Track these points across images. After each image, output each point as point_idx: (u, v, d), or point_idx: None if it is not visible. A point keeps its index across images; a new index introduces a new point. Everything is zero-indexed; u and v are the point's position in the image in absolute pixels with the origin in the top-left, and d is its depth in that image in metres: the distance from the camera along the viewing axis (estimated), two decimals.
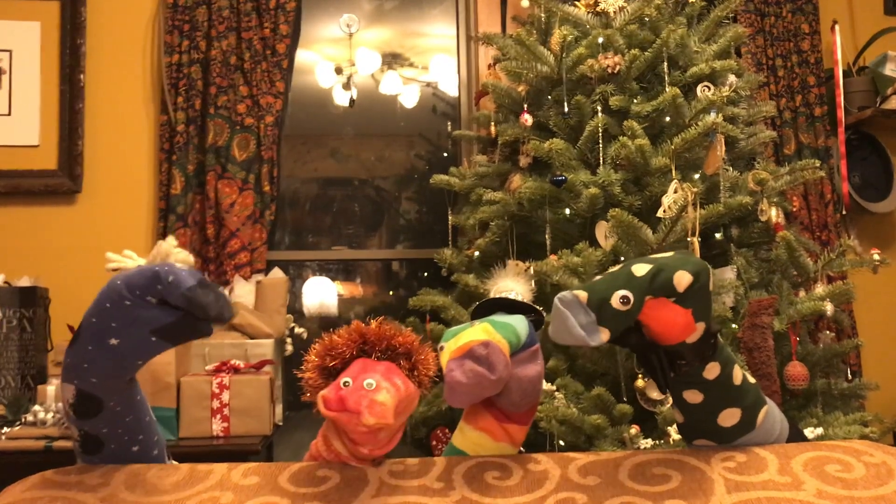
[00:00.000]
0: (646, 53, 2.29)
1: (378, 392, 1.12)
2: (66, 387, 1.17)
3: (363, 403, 1.11)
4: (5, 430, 2.03)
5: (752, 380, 1.26)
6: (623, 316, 1.11)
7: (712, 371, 1.19)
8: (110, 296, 1.09)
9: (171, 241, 1.18)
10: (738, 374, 1.22)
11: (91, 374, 1.14)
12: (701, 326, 1.16)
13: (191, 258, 1.19)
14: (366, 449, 1.19)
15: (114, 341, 1.10)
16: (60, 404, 2.11)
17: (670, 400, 1.93)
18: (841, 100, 3.07)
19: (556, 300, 1.12)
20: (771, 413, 1.28)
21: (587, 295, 1.11)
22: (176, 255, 1.17)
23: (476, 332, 1.20)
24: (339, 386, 1.14)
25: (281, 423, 2.48)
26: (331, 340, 1.22)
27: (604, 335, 1.11)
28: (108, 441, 1.21)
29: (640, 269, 1.13)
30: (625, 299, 1.10)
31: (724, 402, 1.22)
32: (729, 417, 1.22)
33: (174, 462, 1.31)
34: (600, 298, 1.10)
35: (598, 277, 1.16)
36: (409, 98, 3.24)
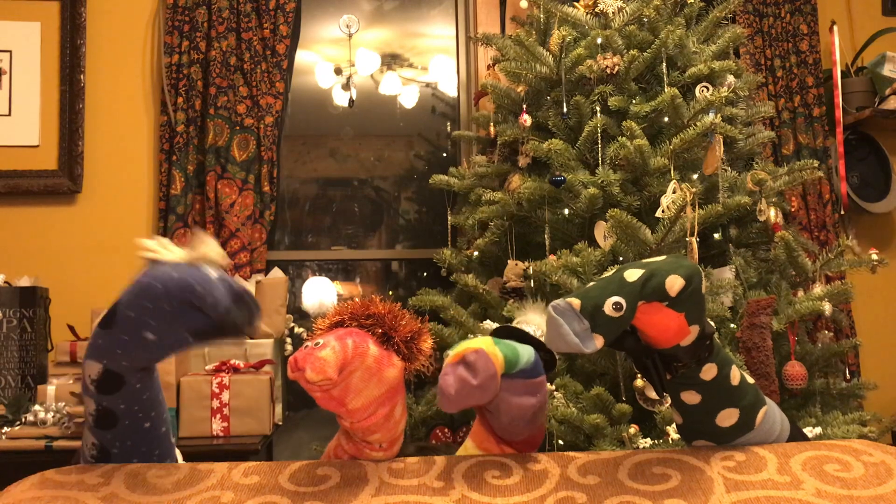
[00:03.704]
0: (644, 54, 2.29)
1: (322, 349, 1.13)
2: (91, 364, 1.19)
3: (308, 360, 1.12)
4: (5, 429, 2.03)
5: (750, 380, 1.26)
6: (616, 322, 1.11)
7: (709, 372, 1.19)
8: (150, 297, 1.12)
9: (207, 239, 1.19)
10: (736, 374, 1.23)
11: (123, 359, 1.17)
12: (695, 329, 1.16)
13: (226, 258, 1.21)
14: (347, 422, 1.20)
15: (150, 336, 1.14)
16: (61, 404, 2.11)
17: (669, 399, 1.94)
18: (839, 100, 3.07)
19: (549, 308, 1.12)
20: (771, 413, 1.28)
21: (580, 302, 1.11)
22: (214, 257, 1.18)
23: (474, 342, 1.21)
24: (299, 350, 1.17)
25: (280, 423, 2.48)
26: (323, 318, 1.27)
27: (598, 342, 1.11)
28: (122, 417, 1.23)
29: (632, 274, 1.13)
30: (618, 305, 1.10)
31: (721, 403, 1.22)
32: (727, 418, 1.23)
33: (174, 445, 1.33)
34: (593, 305, 1.11)
35: (590, 284, 1.17)
36: (409, 98, 3.24)
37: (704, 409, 1.23)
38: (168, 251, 1.18)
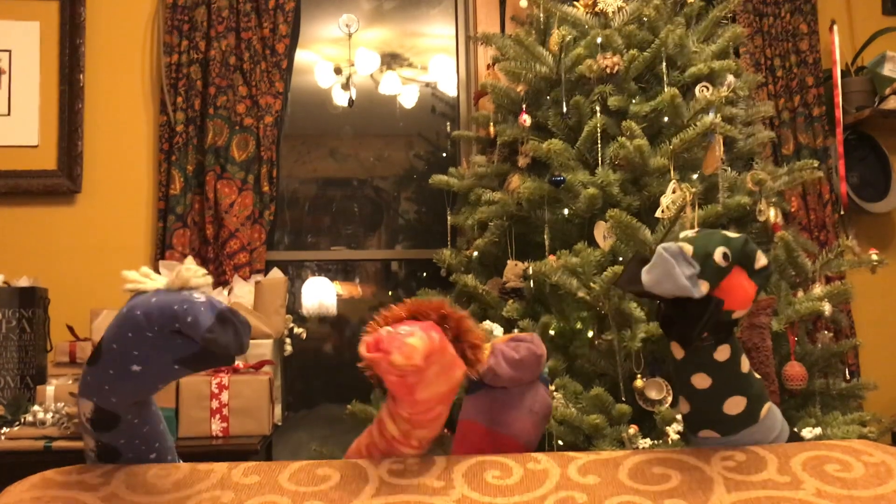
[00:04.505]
0: (644, 54, 2.29)
1: (411, 336, 1.15)
2: (83, 402, 1.18)
3: (394, 344, 1.13)
4: (5, 430, 2.03)
5: (757, 375, 1.28)
6: (722, 272, 1.15)
7: (723, 353, 1.22)
8: (131, 326, 1.10)
9: (189, 263, 1.17)
10: (746, 363, 1.26)
11: (111, 395, 1.15)
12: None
13: (209, 279, 1.18)
14: (405, 412, 1.21)
15: (136, 368, 1.12)
16: (60, 404, 2.11)
17: (669, 400, 1.94)
18: (839, 100, 3.07)
19: (659, 249, 1.14)
20: (773, 411, 1.29)
21: (692, 248, 1.14)
22: (196, 281, 1.15)
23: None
24: (379, 332, 1.18)
25: (280, 424, 2.48)
26: (390, 307, 1.28)
27: (703, 287, 1.14)
28: (125, 451, 1.22)
29: (732, 234, 1.19)
30: (726, 255, 1.15)
31: (731, 389, 1.24)
32: (735, 406, 1.24)
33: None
34: (704, 253, 1.14)
35: (689, 234, 1.20)
36: (409, 98, 3.24)
37: (713, 395, 1.24)
38: (150, 280, 1.16)
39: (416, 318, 1.25)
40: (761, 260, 1.19)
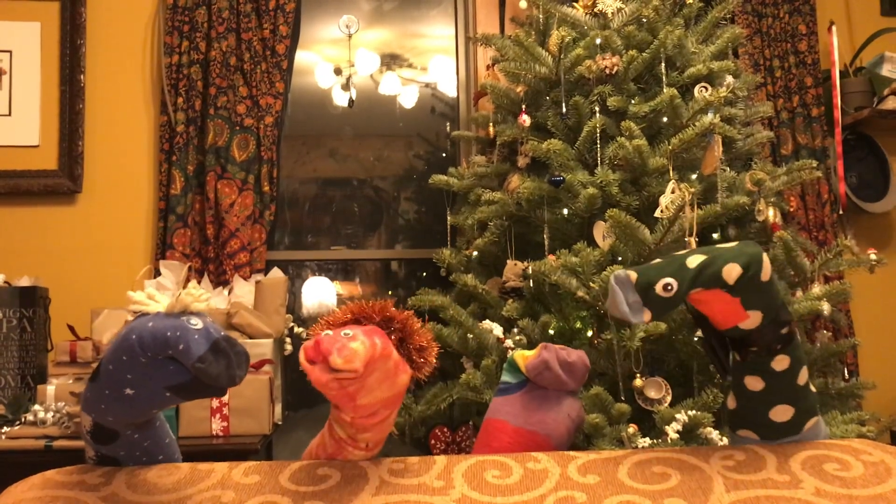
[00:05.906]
0: (643, 54, 2.29)
1: (352, 340, 1.12)
2: (84, 415, 1.19)
3: (335, 346, 1.11)
4: (5, 429, 2.04)
5: (813, 388, 1.29)
6: (666, 301, 1.16)
7: (781, 363, 1.23)
8: (126, 350, 1.10)
9: (192, 287, 1.17)
10: (805, 376, 1.26)
11: (108, 414, 1.16)
12: (756, 315, 1.19)
13: (211, 304, 1.18)
14: (348, 416, 1.20)
15: (129, 391, 1.12)
16: (61, 403, 2.12)
17: (668, 399, 1.94)
18: (838, 100, 3.08)
19: (611, 276, 1.18)
20: (818, 425, 1.30)
21: (637, 277, 1.17)
22: (197, 306, 1.15)
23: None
24: (319, 336, 1.16)
25: (280, 423, 2.48)
26: (332, 312, 1.26)
27: (646, 315, 1.17)
28: (125, 461, 1.23)
29: (694, 260, 1.18)
30: (668, 287, 1.16)
31: (781, 397, 1.25)
32: (781, 413, 1.25)
33: None
34: (647, 282, 1.16)
35: (656, 260, 1.22)
36: (408, 99, 3.24)
37: (763, 399, 1.25)
38: (154, 302, 1.16)
39: (359, 322, 1.22)
40: (732, 273, 1.16)
